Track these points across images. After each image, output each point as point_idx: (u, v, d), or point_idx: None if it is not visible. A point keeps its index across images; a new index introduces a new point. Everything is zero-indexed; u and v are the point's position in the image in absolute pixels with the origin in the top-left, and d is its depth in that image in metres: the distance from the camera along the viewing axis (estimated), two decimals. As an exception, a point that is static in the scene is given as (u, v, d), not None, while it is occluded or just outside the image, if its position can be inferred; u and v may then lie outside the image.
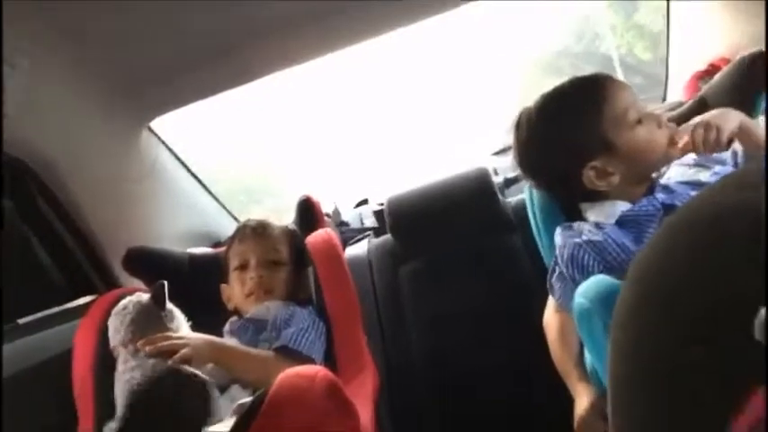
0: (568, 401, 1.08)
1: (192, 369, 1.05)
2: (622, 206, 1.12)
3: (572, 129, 1.12)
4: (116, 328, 1.14)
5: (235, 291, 1.41)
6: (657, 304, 0.37)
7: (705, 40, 1.79)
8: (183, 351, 1.09)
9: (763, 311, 0.28)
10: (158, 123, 1.70)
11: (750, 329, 0.29)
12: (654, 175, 1.16)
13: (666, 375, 0.35)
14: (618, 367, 0.39)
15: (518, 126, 1.21)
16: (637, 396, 0.37)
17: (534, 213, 1.35)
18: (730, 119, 1.10)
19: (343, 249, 1.68)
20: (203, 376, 1.06)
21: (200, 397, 1.02)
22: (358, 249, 1.88)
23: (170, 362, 1.06)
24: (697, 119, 1.12)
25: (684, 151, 1.14)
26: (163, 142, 1.76)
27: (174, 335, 1.13)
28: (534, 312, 1.28)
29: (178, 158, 1.84)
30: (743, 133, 1.11)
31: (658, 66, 2.01)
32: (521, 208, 1.57)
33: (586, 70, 1.21)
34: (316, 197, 1.61)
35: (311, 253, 1.38)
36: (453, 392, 1.58)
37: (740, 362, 0.30)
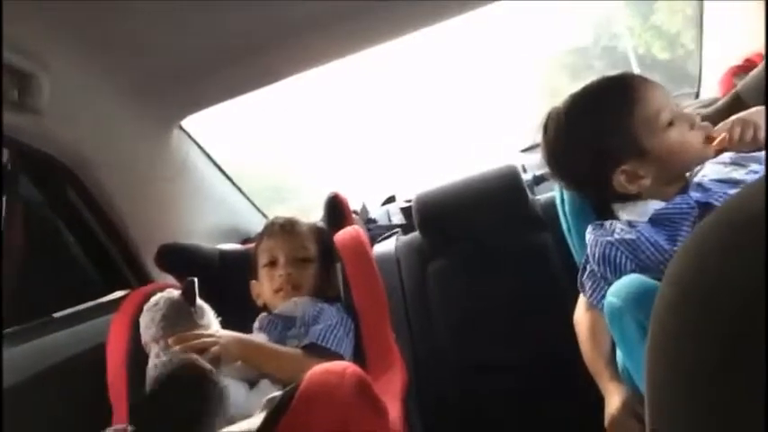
0: (598, 400, 1.07)
1: (208, 367, 1.06)
2: (655, 204, 1.10)
3: (602, 132, 1.10)
4: (147, 324, 1.16)
5: (264, 287, 1.42)
6: (697, 303, 0.36)
7: (739, 35, 1.75)
8: (213, 349, 1.11)
9: None
10: (189, 122, 1.72)
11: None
12: (687, 174, 1.14)
13: (707, 375, 0.34)
14: (656, 368, 0.39)
15: (546, 128, 1.20)
16: (676, 396, 0.37)
17: (565, 212, 1.34)
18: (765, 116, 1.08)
19: (371, 246, 1.69)
20: (216, 378, 1.05)
21: (207, 399, 1.02)
22: (386, 246, 1.88)
23: (200, 359, 1.07)
24: (734, 117, 1.10)
25: (719, 150, 1.12)
26: (193, 140, 1.79)
27: (205, 332, 1.15)
28: (564, 310, 1.26)
29: (208, 156, 1.87)
30: None
31: (677, 65, 1.97)
32: (550, 205, 1.55)
33: (604, 68, 1.19)
34: (343, 194, 1.62)
35: (339, 250, 1.39)
36: (482, 389, 1.58)
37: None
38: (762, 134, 1.05)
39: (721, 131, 1.09)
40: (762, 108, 1.12)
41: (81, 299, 1.56)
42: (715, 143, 1.09)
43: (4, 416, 1.10)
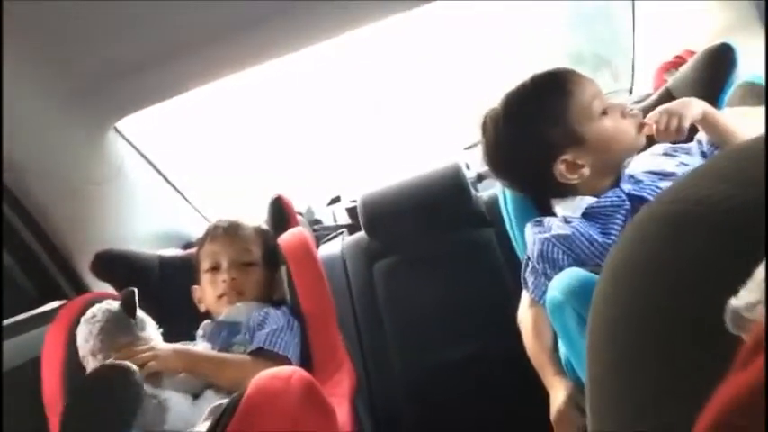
0: (543, 394, 1.09)
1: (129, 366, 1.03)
2: (588, 200, 1.14)
3: (540, 125, 1.13)
4: (85, 337, 1.12)
5: (206, 293, 1.39)
6: (630, 293, 0.37)
7: (670, 32, 1.82)
8: (151, 363, 1.08)
9: (732, 302, 0.28)
10: (125, 124, 1.67)
11: (723, 317, 0.29)
12: (621, 167, 1.18)
13: (642, 362, 0.35)
14: (595, 357, 0.40)
15: (485, 128, 1.22)
16: (614, 385, 0.37)
17: (507, 209, 1.36)
18: (693, 107, 1.13)
19: (317, 248, 1.68)
20: (138, 379, 1.03)
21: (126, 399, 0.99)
22: (332, 247, 1.87)
23: (139, 374, 1.05)
24: (661, 107, 1.14)
25: (650, 140, 1.16)
26: (129, 143, 1.73)
27: (143, 347, 1.11)
28: (508, 306, 1.29)
29: (146, 159, 1.81)
30: (706, 122, 1.13)
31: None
32: (493, 202, 1.58)
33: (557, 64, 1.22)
34: (287, 196, 1.60)
35: (284, 253, 1.37)
36: (431, 387, 1.59)
37: (714, 350, 0.31)
38: (686, 124, 1.10)
39: (650, 121, 1.14)
40: (686, 99, 1.17)
41: (13, 311, 1.49)
42: (644, 130, 1.14)
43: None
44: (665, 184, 1.09)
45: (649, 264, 0.36)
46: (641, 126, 1.15)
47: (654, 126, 1.12)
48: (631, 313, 0.36)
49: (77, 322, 1.17)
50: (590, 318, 0.40)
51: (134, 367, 1.00)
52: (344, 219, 2.13)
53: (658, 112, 1.13)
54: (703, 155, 1.17)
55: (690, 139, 1.20)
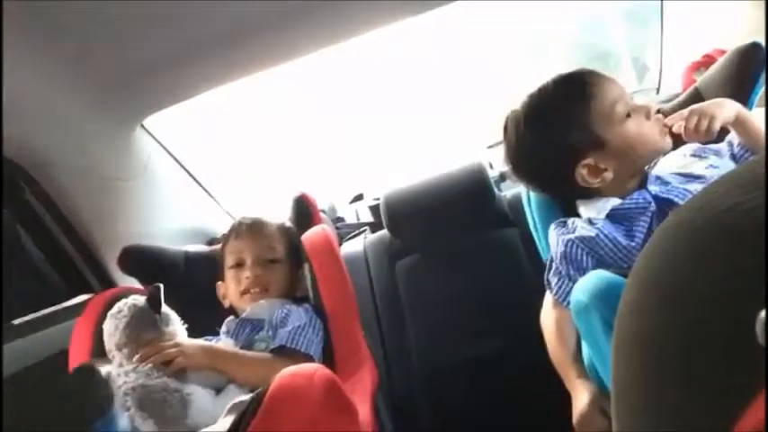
0: (565, 396, 1.08)
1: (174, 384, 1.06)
2: (613, 201, 1.13)
3: (561, 129, 1.12)
4: (111, 332, 1.13)
5: (230, 289, 1.40)
6: (659, 304, 0.36)
7: (700, 31, 1.79)
8: (177, 360, 1.09)
9: (763, 314, 0.28)
10: (152, 121, 1.69)
11: (752, 331, 0.29)
12: (646, 167, 1.16)
13: (670, 377, 0.35)
14: (621, 368, 0.39)
15: (506, 130, 1.21)
16: (640, 396, 0.37)
17: (531, 210, 1.35)
18: (725, 108, 1.11)
19: (340, 245, 1.68)
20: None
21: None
22: (354, 245, 1.88)
23: (165, 371, 1.06)
24: (691, 107, 1.12)
25: (677, 140, 1.15)
26: (156, 140, 1.75)
27: (168, 343, 1.12)
28: (531, 305, 1.28)
29: (172, 156, 1.83)
30: (738, 124, 1.11)
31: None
32: (517, 202, 1.57)
33: (581, 62, 1.21)
34: (311, 193, 1.61)
35: (307, 250, 1.38)
36: (451, 386, 1.59)
37: (742, 364, 0.30)
38: (716, 125, 1.08)
39: (677, 120, 1.12)
40: (719, 99, 1.15)
41: (42, 304, 1.52)
42: (674, 128, 1.12)
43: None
44: (694, 187, 1.08)
45: (677, 272, 0.35)
46: (664, 128, 1.13)
47: (683, 126, 1.10)
48: (659, 324, 0.36)
49: (104, 316, 1.19)
50: (617, 325, 0.40)
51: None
52: (367, 217, 2.13)
53: (688, 111, 1.11)
54: (733, 157, 1.15)
55: (720, 140, 1.18)
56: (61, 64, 1.28)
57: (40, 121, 1.32)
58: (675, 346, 0.35)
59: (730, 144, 1.17)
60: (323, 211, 1.83)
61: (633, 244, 1.06)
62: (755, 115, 1.17)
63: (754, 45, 1.33)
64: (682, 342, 0.34)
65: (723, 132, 1.15)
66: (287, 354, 1.18)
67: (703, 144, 1.17)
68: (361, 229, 2.01)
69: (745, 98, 1.28)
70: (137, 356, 1.08)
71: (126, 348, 1.10)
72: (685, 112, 1.11)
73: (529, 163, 1.20)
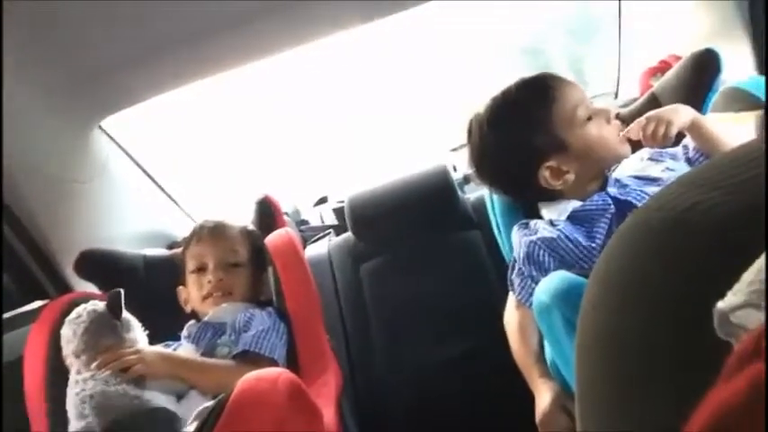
0: (530, 396, 1.09)
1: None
2: (574, 203, 1.15)
3: (524, 131, 1.14)
4: (69, 338, 1.10)
5: (192, 293, 1.38)
6: (619, 302, 0.37)
7: (656, 36, 1.83)
8: (136, 367, 1.07)
9: (720, 305, 0.28)
10: (110, 122, 1.65)
11: (709, 328, 0.29)
12: (607, 171, 1.19)
13: (630, 373, 0.35)
14: (584, 365, 0.40)
15: (470, 132, 1.23)
16: (604, 393, 0.38)
17: (494, 212, 1.37)
18: (681, 114, 1.14)
19: (304, 248, 1.67)
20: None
21: None
22: (318, 248, 1.87)
23: (121, 378, 1.04)
24: (648, 113, 1.15)
25: (635, 145, 1.17)
26: (114, 141, 1.71)
27: (128, 350, 1.10)
28: (494, 307, 1.29)
29: (131, 158, 1.79)
30: (694, 129, 1.14)
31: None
32: (480, 204, 1.59)
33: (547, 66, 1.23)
34: (274, 196, 1.59)
35: (271, 253, 1.36)
36: (416, 388, 1.59)
37: (699, 362, 0.31)
38: (673, 130, 1.11)
39: (635, 129, 1.15)
40: (675, 105, 1.18)
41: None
42: (628, 132, 1.14)
43: None
44: (651, 189, 1.10)
45: (637, 271, 0.36)
46: (624, 137, 1.16)
47: (641, 132, 1.13)
48: (619, 322, 0.36)
49: (60, 322, 1.16)
50: (579, 325, 0.41)
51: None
52: (331, 219, 2.13)
53: (646, 118, 1.14)
54: (689, 161, 1.19)
55: (676, 143, 1.21)
56: (17, 63, 1.25)
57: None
58: (635, 344, 0.35)
59: (686, 148, 1.21)
60: (286, 214, 1.82)
61: (594, 245, 1.08)
62: (710, 120, 1.20)
63: (709, 51, 1.37)
64: (641, 340, 0.35)
65: (680, 136, 1.18)
66: (250, 359, 1.17)
67: (661, 149, 1.21)
68: (326, 232, 2.01)
69: (699, 103, 1.32)
70: (95, 363, 1.06)
71: (84, 355, 1.07)
72: (643, 119, 1.14)
73: (492, 165, 1.22)
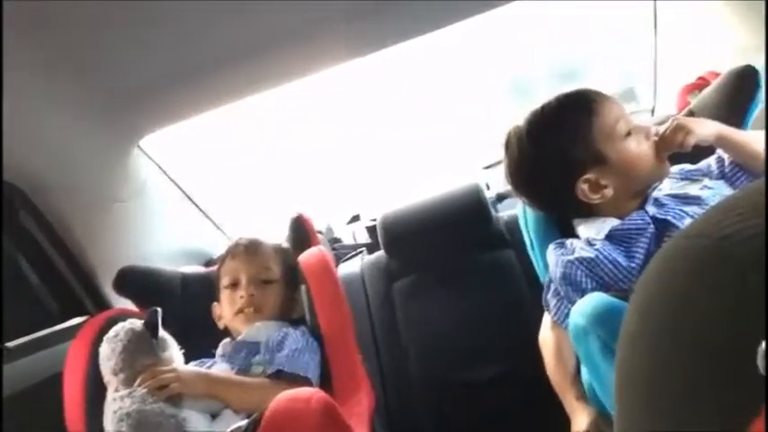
0: (564, 418, 1.07)
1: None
2: (612, 222, 1.13)
3: (563, 144, 1.13)
4: (107, 356, 1.13)
5: (225, 309, 1.39)
6: (660, 331, 0.36)
7: (693, 52, 1.81)
8: (173, 386, 1.08)
9: (764, 345, 0.28)
10: (148, 142, 1.69)
11: (752, 359, 0.28)
12: (648, 190, 1.17)
13: (672, 405, 0.34)
14: (624, 395, 0.39)
15: (508, 145, 1.22)
16: (645, 423, 0.37)
17: (528, 229, 1.35)
18: (705, 126, 1.13)
19: (336, 266, 1.68)
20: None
21: None
22: (351, 266, 1.88)
23: (158, 396, 1.05)
24: (674, 118, 1.14)
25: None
26: (153, 161, 1.75)
27: (165, 368, 1.12)
28: (529, 327, 1.27)
29: (169, 176, 1.83)
30: (721, 140, 1.13)
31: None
32: (514, 223, 1.57)
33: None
34: (308, 214, 1.60)
35: (304, 272, 1.37)
36: (449, 408, 1.57)
37: (743, 391, 0.30)
38: (691, 140, 1.09)
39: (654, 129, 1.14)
40: (703, 119, 1.17)
41: (36, 327, 1.50)
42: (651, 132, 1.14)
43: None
44: (690, 208, 1.08)
45: (677, 302, 0.35)
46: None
47: (660, 131, 1.12)
48: (660, 351, 0.36)
49: (99, 339, 1.18)
50: (618, 351, 0.40)
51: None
52: (364, 237, 2.13)
53: (671, 120, 1.13)
54: (724, 176, 1.16)
55: (697, 160, 1.21)
56: (59, 86, 1.29)
57: (37, 143, 1.32)
58: (676, 374, 0.34)
59: (720, 160, 1.18)
60: (320, 232, 1.83)
61: (633, 265, 1.06)
62: (748, 133, 1.18)
63: (748, 68, 1.34)
64: (682, 371, 0.34)
65: (705, 152, 1.17)
66: (285, 378, 1.17)
67: (677, 157, 1.18)
68: (358, 250, 2.01)
69: (739, 119, 1.29)
70: (133, 382, 1.07)
71: (122, 373, 1.09)
72: (666, 124, 1.14)
73: (530, 177, 1.21)
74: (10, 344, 1.42)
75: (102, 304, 1.53)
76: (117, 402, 1.04)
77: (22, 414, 1.26)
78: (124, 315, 1.26)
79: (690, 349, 0.33)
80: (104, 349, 1.14)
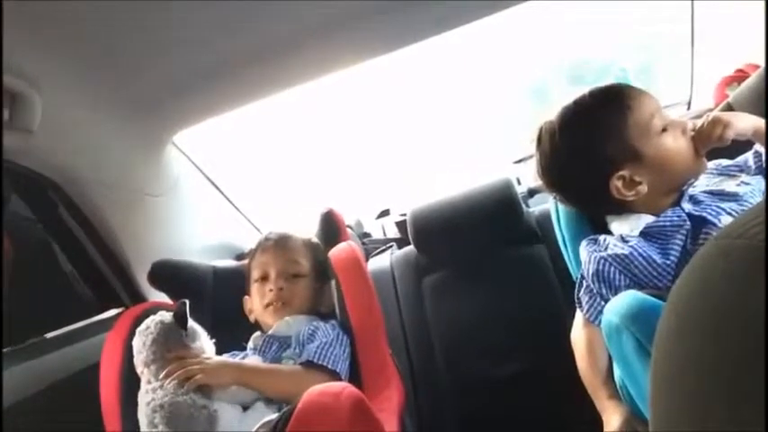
0: (595, 417, 1.06)
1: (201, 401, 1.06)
2: (647, 218, 1.11)
3: (597, 139, 1.11)
4: (139, 349, 1.15)
5: (255, 302, 1.41)
6: (700, 333, 0.35)
7: (732, 44, 1.76)
8: (198, 376, 1.09)
9: None
10: (182, 138, 1.72)
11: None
12: (684, 187, 1.14)
13: (710, 406, 0.34)
14: (660, 396, 0.38)
15: (540, 140, 1.20)
16: (680, 425, 0.36)
17: (560, 224, 1.34)
18: (743, 120, 1.10)
19: (366, 261, 1.68)
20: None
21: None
22: (381, 261, 1.88)
23: (187, 387, 1.07)
24: (712, 113, 1.12)
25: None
26: (186, 156, 1.78)
27: (192, 359, 1.13)
28: (560, 323, 1.26)
29: (202, 171, 1.86)
30: (759, 136, 1.10)
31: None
32: (545, 218, 1.55)
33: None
34: (338, 209, 1.61)
35: (334, 266, 1.38)
36: (479, 403, 1.57)
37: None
38: (729, 134, 1.07)
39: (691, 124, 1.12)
40: (741, 113, 1.14)
41: (74, 318, 1.54)
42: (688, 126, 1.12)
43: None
44: (727, 204, 1.06)
45: (717, 305, 0.34)
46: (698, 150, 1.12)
47: (695, 125, 1.10)
48: (699, 355, 0.35)
49: (134, 331, 1.21)
50: (655, 352, 0.39)
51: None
52: (394, 232, 2.13)
53: (706, 116, 1.10)
54: (761, 171, 1.13)
55: (733, 156, 1.18)
56: (94, 83, 1.31)
57: (74, 138, 1.35)
58: (714, 376, 0.34)
59: (757, 155, 1.15)
60: (350, 227, 1.83)
61: (668, 262, 1.04)
62: None
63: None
64: (720, 373, 0.33)
65: (741, 146, 1.14)
66: (314, 368, 1.18)
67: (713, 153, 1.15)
68: (388, 245, 2.01)
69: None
70: (163, 373, 1.09)
71: (153, 365, 1.11)
72: (704, 117, 1.11)
73: (562, 174, 1.19)
74: (48, 335, 1.46)
75: (138, 297, 1.56)
76: (150, 394, 1.06)
77: (60, 405, 1.29)
78: (157, 308, 1.28)
79: (732, 352, 0.33)
80: (136, 342, 1.16)
